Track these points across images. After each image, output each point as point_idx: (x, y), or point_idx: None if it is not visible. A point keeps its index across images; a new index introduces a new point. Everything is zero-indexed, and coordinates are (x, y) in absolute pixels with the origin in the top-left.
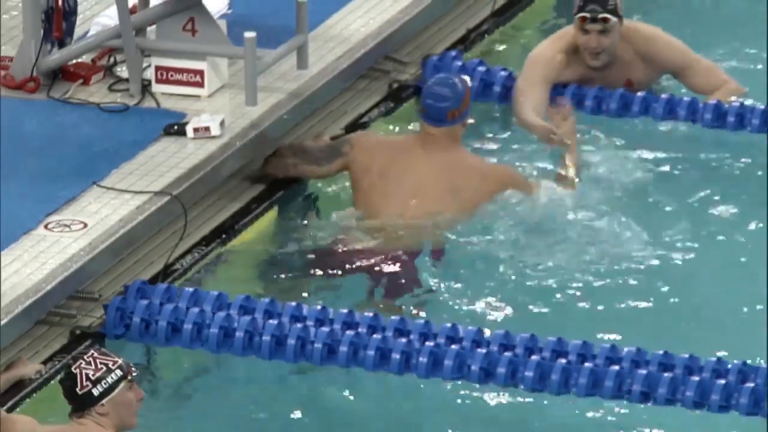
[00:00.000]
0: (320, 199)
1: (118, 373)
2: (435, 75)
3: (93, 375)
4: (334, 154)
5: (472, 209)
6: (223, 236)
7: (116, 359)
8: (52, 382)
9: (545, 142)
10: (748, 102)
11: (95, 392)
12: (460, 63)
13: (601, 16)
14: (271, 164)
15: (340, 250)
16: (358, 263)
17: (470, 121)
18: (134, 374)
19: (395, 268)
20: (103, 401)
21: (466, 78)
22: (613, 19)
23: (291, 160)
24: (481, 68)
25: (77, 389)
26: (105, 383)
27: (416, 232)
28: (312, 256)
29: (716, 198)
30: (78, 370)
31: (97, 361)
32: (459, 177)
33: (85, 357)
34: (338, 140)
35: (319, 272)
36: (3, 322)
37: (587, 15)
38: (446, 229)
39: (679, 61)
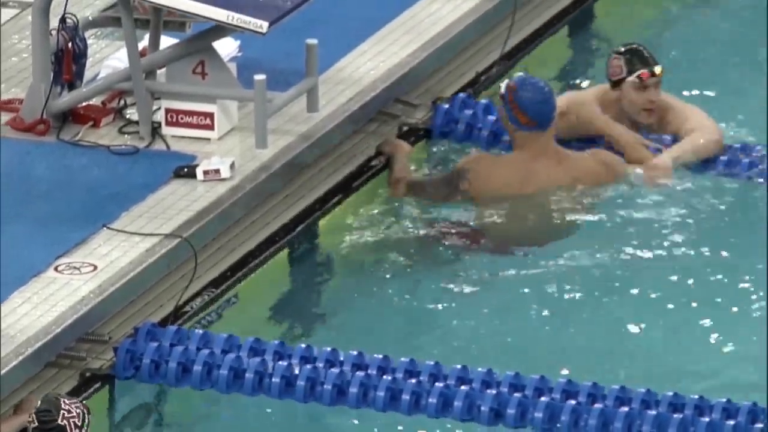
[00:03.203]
0: (330, 241)
1: (87, 411)
2: (524, 81)
3: (78, 421)
4: (452, 192)
5: (586, 202)
6: (233, 278)
7: (77, 400)
8: None
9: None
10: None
11: None
12: (471, 112)
13: (659, 68)
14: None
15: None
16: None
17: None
18: None
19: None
20: None
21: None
22: None
23: (430, 190)
24: (491, 117)
25: None
26: (87, 423)
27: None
28: (323, 297)
29: (722, 239)
30: (65, 421)
31: (73, 406)
32: (569, 177)
33: (63, 406)
34: (454, 174)
35: (331, 313)
36: (13, 365)
37: (654, 70)
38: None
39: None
